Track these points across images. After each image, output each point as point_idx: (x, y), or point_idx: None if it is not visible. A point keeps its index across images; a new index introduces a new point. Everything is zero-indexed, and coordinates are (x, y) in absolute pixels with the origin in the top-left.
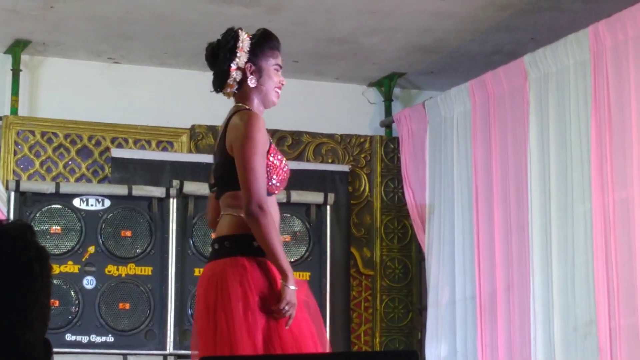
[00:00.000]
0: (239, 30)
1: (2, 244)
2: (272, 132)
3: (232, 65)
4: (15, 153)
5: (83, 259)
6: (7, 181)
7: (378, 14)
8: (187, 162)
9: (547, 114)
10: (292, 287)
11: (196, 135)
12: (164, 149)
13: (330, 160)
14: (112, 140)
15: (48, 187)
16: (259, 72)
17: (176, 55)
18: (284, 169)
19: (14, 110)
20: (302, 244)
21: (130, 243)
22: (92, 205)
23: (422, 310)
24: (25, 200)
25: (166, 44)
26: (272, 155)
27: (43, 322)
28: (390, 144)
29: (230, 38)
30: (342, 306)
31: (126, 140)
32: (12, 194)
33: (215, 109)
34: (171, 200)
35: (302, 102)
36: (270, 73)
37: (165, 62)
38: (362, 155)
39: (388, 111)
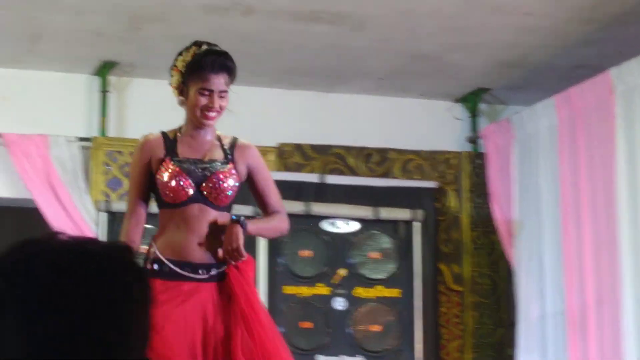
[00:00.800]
0: (191, 47)
1: (102, 265)
2: (359, 149)
3: (170, 82)
4: (104, 174)
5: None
6: (97, 201)
7: (462, 30)
8: (275, 181)
9: (635, 127)
10: None
11: (283, 154)
12: None
13: (417, 177)
14: None
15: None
16: (186, 93)
17: (261, 74)
18: (168, 186)
19: (103, 131)
20: (391, 260)
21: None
22: None
23: (511, 325)
24: (115, 219)
25: (252, 62)
26: (161, 170)
27: (143, 344)
28: (477, 160)
29: (177, 54)
30: (431, 322)
31: None
32: (102, 214)
33: (302, 127)
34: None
35: (387, 119)
36: (193, 95)
37: (251, 81)
38: (449, 171)
39: (474, 127)
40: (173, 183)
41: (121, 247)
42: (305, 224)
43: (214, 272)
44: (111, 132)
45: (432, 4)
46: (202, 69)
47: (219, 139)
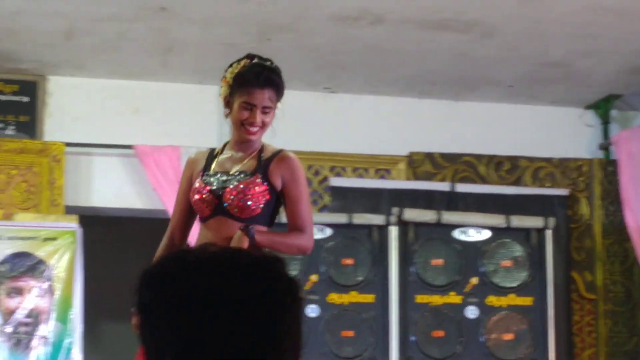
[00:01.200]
0: (242, 59)
1: (253, 276)
2: (489, 158)
3: (220, 92)
4: None
5: (306, 287)
6: None
7: (592, 37)
8: (406, 190)
9: None
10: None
11: (414, 162)
12: (382, 177)
13: (548, 185)
14: (331, 169)
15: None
16: (231, 105)
17: (391, 83)
18: (196, 197)
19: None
20: (523, 268)
21: (352, 271)
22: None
23: None
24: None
25: (381, 72)
26: (195, 183)
27: (295, 353)
28: (609, 167)
29: (228, 66)
30: (564, 331)
31: (344, 169)
32: None
33: (432, 136)
34: (391, 227)
35: (517, 126)
36: (237, 108)
37: (381, 90)
38: (581, 179)
39: (605, 134)
40: (197, 197)
41: (272, 258)
42: (436, 233)
43: None
44: None
45: (561, 11)
46: (247, 82)
47: (261, 150)
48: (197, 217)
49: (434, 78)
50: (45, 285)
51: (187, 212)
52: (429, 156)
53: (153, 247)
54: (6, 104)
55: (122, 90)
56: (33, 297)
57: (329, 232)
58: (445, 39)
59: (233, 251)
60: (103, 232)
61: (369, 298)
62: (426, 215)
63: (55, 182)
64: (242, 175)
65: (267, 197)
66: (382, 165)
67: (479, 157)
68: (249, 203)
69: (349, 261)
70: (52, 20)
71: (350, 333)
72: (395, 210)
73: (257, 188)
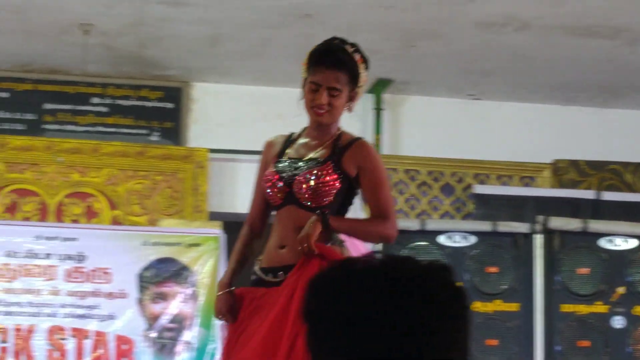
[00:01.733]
0: (325, 42)
1: (421, 284)
2: (636, 165)
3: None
4: None
5: None
6: None
7: None
8: (551, 197)
9: None
10: (217, 294)
11: (558, 170)
12: (526, 185)
13: None
14: (475, 177)
15: (413, 224)
16: (303, 87)
17: (536, 90)
18: (267, 184)
19: (377, 148)
20: None
21: (496, 279)
22: (457, 241)
23: None
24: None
25: (525, 78)
26: (268, 170)
27: None
28: None
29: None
30: None
31: (488, 176)
32: None
33: (577, 143)
34: (536, 236)
35: None
36: (305, 91)
37: (526, 97)
38: None
39: None
40: (268, 186)
41: (439, 265)
42: (582, 241)
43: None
44: (386, 150)
45: None
46: (314, 61)
47: (338, 138)
48: None
49: (580, 85)
50: (190, 290)
51: (265, 199)
52: (574, 164)
53: None
54: (151, 111)
55: (265, 97)
56: (177, 302)
57: (472, 239)
58: (592, 45)
59: (399, 260)
60: None
61: (513, 307)
62: (572, 224)
63: (200, 188)
64: (313, 163)
65: (339, 186)
66: (526, 172)
67: (625, 164)
68: (319, 192)
69: (493, 269)
70: (198, 27)
71: (494, 342)
72: (540, 218)
73: (328, 177)
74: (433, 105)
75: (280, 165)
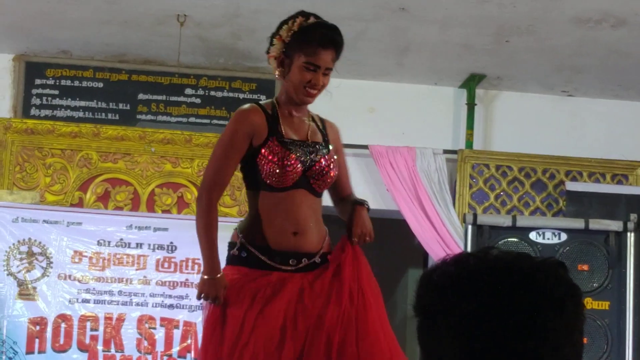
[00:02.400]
0: (297, 17)
1: (535, 281)
2: None
3: (269, 51)
4: (470, 187)
5: None
6: (464, 214)
7: None
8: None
9: None
10: (206, 277)
11: None
12: (619, 182)
13: None
14: (566, 174)
15: (504, 221)
16: (288, 65)
17: (630, 87)
18: (279, 164)
19: (469, 144)
20: None
21: (587, 277)
22: (548, 238)
23: None
24: (482, 233)
25: (620, 75)
26: (267, 150)
27: None
28: None
29: (280, 23)
30: None
31: (580, 174)
32: (469, 227)
33: None
34: (629, 234)
35: None
36: (297, 69)
37: (619, 94)
38: None
39: None
40: (281, 166)
41: (554, 262)
42: None
43: (304, 262)
44: (477, 145)
45: None
46: (311, 41)
47: (313, 118)
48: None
49: None
50: None
51: (233, 172)
52: None
53: (385, 248)
54: (244, 102)
55: (357, 90)
56: None
57: (564, 237)
58: None
59: (514, 255)
60: (335, 231)
61: (604, 305)
62: None
63: None
64: (322, 149)
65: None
66: (619, 170)
67: None
68: (333, 179)
69: (584, 267)
70: None
71: (584, 340)
72: (633, 216)
73: (335, 164)
74: (526, 101)
75: (291, 147)
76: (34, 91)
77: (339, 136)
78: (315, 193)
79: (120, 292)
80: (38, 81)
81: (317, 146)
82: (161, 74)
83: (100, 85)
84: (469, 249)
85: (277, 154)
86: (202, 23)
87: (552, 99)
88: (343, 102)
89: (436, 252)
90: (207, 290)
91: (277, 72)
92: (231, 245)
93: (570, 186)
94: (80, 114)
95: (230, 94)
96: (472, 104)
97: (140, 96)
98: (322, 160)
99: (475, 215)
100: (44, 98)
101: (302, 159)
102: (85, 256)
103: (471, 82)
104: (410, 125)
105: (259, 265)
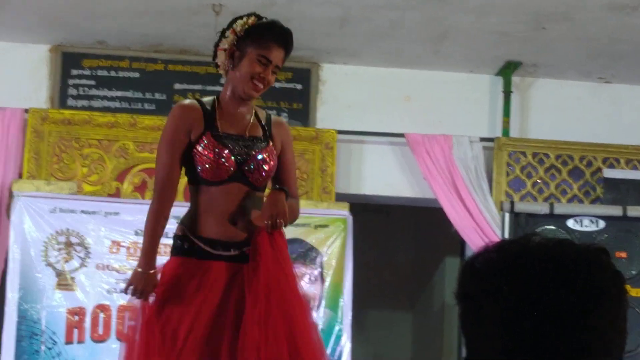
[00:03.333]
0: (252, 15)
1: (578, 267)
2: None
3: (219, 44)
4: (507, 174)
5: None
6: (501, 202)
7: None
8: None
9: None
10: (139, 269)
11: None
12: None
13: None
14: (604, 161)
15: (542, 208)
16: (238, 58)
17: None
18: (213, 159)
19: (506, 131)
20: None
21: (625, 264)
22: (586, 226)
23: None
24: (519, 221)
25: None
26: (201, 144)
27: (620, 346)
28: None
29: (233, 19)
30: None
31: (617, 160)
32: (507, 215)
33: None
34: None
35: None
36: (248, 61)
37: None
38: None
39: None
40: (214, 160)
41: (597, 248)
42: None
43: (247, 250)
44: (514, 133)
45: None
46: (267, 37)
47: (256, 114)
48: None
49: None
50: (316, 272)
51: (180, 167)
52: None
53: (422, 236)
54: (280, 92)
55: (394, 78)
56: (304, 283)
57: (601, 224)
58: None
59: (557, 242)
60: (372, 219)
61: None
62: None
63: (327, 170)
64: (259, 143)
65: (276, 165)
66: None
67: None
68: (268, 173)
69: (622, 254)
70: (327, 8)
71: None
72: None
73: (272, 158)
74: (562, 88)
75: (226, 141)
76: (71, 82)
77: (287, 133)
78: (253, 186)
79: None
80: (74, 72)
81: (254, 140)
82: (197, 64)
83: (137, 75)
84: (506, 237)
85: (210, 149)
86: (238, 12)
87: (588, 85)
88: (379, 91)
89: (473, 241)
90: (137, 283)
91: (223, 67)
92: (175, 237)
93: (608, 173)
94: (117, 104)
95: None
96: (508, 92)
97: (177, 86)
98: (258, 153)
99: (512, 203)
100: (81, 88)
101: (236, 152)
102: (123, 246)
103: (507, 70)
104: (446, 113)
105: (201, 254)
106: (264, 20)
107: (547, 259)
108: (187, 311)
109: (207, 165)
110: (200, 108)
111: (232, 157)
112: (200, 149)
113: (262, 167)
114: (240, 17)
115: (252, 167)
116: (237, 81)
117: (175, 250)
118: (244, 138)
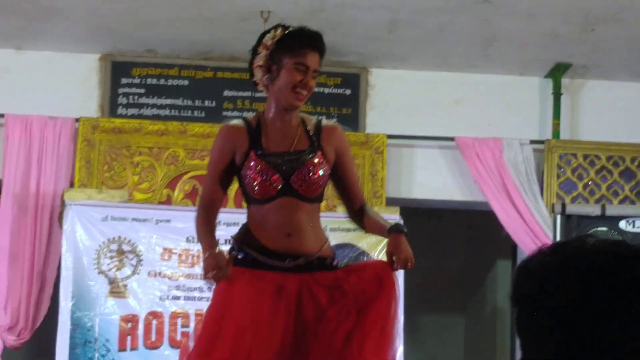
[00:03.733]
0: (278, 27)
1: (634, 269)
2: None
3: (254, 62)
4: (558, 176)
5: None
6: (552, 204)
7: None
8: None
9: None
10: (206, 254)
11: None
12: None
13: None
14: None
15: (593, 210)
16: (276, 71)
17: None
18: (255, 182)
19: (556, 134)
20: None
21: None
22: (638, 227)
23: None
24: (571, 223)
25: None
26: (247, 166)
27: None
28: None
29: (261, 35)
30: None
31: None
32: (558, 217)
33: None
34: None
35: None
36: (287, 71)
37: None
38: None
39: None
40: (260, 179)
41: None
42: None
43: (302, 261)
44: (564, 135)
45: None
46: (299, 44)
47: (303, 122)
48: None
49: None
50: None
51: (225, 184)
52: None
53: (473, 240)
54: (329, 97)
55: (443, 82)
56: None
57: (638, 224)
58: None
59: (612, 243)
60: (422, 223)
61: None
62: None
63: (378, 174)
64: (305, 155)
65: (328, 175)
66: None
67: None
68: (318, 184)
69: None
70: (376, 12)
71: None
72: None
73: (322, 168)
74: (612, 90)
75: (270, 159)
76: (121, 90)
77: (341, 138)
78: (304, 199)
79: (210, 289)
80: (124, 80)
81: (301, 153)
82: (246, 71)
83: (186, 83)
84: (558, 239)
85: (256, 169)
86: (286, 19)
87: (639, 86)
88: (429, 95)
89: (525, 243)
90: (208, 265)
91: (262, 84)
92: (230, 249)
93: None
94: (167, 112)
95: (316, 89)
96: (558, 94)
97: (226, 93)
98: (304, 166)
99: (563, 205)
100: (131, 97)
101: (282, 169)
102: (175, 253)
103: (557, 72)
104: (496, 116)
105: (256, 264)
106: (291, 28)
107: (603, 260)
108: (244, 322)
109: (255, 185)
110: (245, 127)
111: (278, 174)
112: (246, 170)
113: (310, 179)
114: (268, 32)
115: (299, 180)
116: (279, 94)
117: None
118: (290, 153)
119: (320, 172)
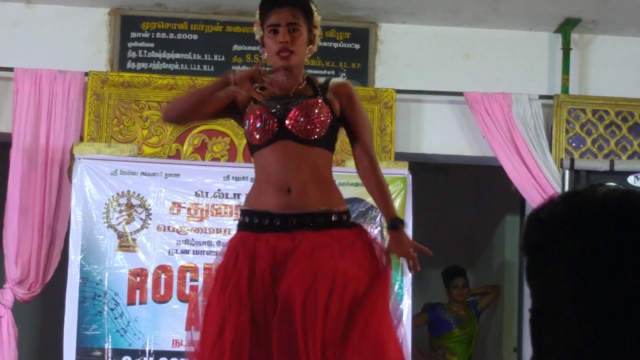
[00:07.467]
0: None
1: None
2: None
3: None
4: (566, 132)
5: None
6: (561, 159)
7: None
8: None
9: None
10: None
11: None
12: None
13: None
14: None
15: (602, 165)
16: (263, 42)
17: None
18: (252, 127)
19: (565, 88)
20: None
21: None
22: None
23: None
24: (579, 178)
25: None
26: (247, 114)
27: None
28: None
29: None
30: None
31: None
32: (567, 172)
33: None
34: None
35: None
36: (266, 40)
37: None
38: None
39: None
40: (259, 123)
41: None
42: None
43: (306, 219)
44: (573, 90)
45: None
46: (263, 8)
47: (311, 80)
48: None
49: None
50: (376, 230)
51: (221, 109)
52: None
53: (482, 195)
54: (338, 52)
55: (452, 37)
56: None
57: None
58: None
59: (623, 192)
60: (431, 178)
61: None
62: None
63: (386, 129)
64: (304, 99)
65: (330, 119)
66: None
67: None
68: (314, 123)
69: None
70: None
71: None
72: None
73: (321, 109)
74: (622, 45)
75: (269, 102)
76: (130, 44)
77: (349, 91)
78: (303, 141)
79: (218, 243)
80: (134, 34)
81: (298, 97)
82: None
83: (195, 37)
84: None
85: (254, 112)
86: None
87: None
88: (438, 50)
89: (533, 198)
90: (225, 77)
91: (262, 54)
92: (240, 211)
93: None
94: (176, 66)
95: (324, 44)
96: (567, 49)
97: (235, 47)
98: (300, 105)
99: (572, 160)
100: (140, 51)
101: (276, 109)
102: (184, 207)
103: (566, 27)
104: (505, 71)
105: (260, 228)
106: None
107: (614, 209)
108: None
109: (251, 129)
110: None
111: (271, 114)
112: (247, 117)
113: (305, 117)
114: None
115: (293, 119)
116: (271, 61)
117: (238, 226)
118: (287, 96)
119: (316, 111)
